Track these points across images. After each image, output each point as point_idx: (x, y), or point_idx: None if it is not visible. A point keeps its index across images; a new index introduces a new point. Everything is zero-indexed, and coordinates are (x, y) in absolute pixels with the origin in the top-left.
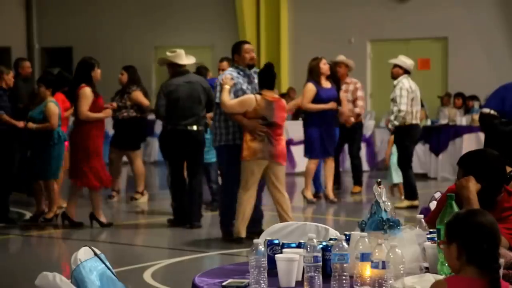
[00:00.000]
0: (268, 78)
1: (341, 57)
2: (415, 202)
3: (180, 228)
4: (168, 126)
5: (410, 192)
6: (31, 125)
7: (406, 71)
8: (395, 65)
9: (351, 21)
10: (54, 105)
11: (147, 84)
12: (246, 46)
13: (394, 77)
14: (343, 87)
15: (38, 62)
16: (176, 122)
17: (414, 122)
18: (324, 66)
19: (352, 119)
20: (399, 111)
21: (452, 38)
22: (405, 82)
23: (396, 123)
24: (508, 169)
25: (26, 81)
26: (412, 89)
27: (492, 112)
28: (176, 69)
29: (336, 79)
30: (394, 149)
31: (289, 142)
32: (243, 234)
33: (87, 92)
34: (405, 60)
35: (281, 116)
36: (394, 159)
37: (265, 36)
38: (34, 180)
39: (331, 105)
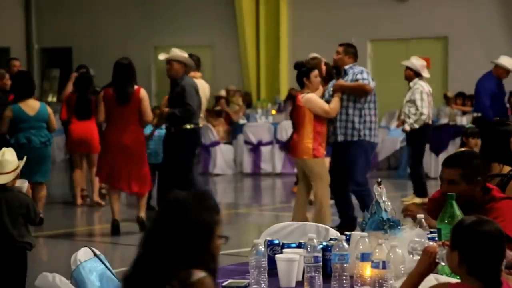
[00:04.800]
0: (296, 77)
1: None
2: (426, 200)
3: None
4: (191, 125)
5: (422, 189)
6: None
7: (417, 73)
8: (407, 67)
9: (351, 21)
10: (7, 111)
11: (147, 84)
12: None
13: (407, 79)
14: None
15: (37, 63)
16: (197, 121)
17: (429, 122)
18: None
19: None
20: (421, 114)
21: (452, 37)
22: (423, 85)
23: (417, 126)
24: (507, 169)
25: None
26: (431, 92)
27: (478, 114)
28: (185, 69)
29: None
30: None
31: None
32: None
33: None
34: (414, 62)
35: (295, 114)
36: None
37: (264, 36)
38: None
39: None
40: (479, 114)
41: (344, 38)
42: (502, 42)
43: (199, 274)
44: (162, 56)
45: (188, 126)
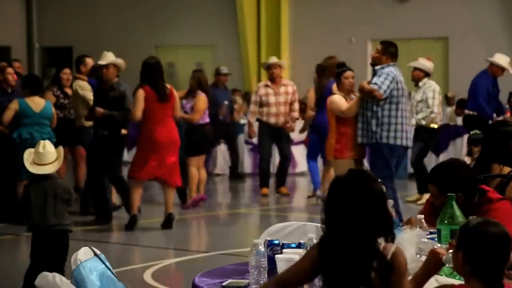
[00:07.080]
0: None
1: (274, 59)
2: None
3: (180, 228)
4: (126, 130)
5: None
6: None
7: (427, 74)
8: (415, 68)
9: (351, 21)
10: (13, 103)
11: None
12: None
13: (415, 80)
14: (281, 89)
15: (38, 62)
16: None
17: (440, 123)
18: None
19: (293, 125)
20: (432, 112)
21: (453, 37)
22: (434, 84)
23: (424, 122)
24: (507, 169)
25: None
26: (440, 92)
27: (471, 112)
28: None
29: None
30: None
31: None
32: None
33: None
34: (424, 63)
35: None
36: None
37: (265, 36)
38: None
39: None
40: (473, 113)
41: (344, 38)
42: (503, 42)
43: (391, 247)
44: (103, 61)
45: (124, 131)
